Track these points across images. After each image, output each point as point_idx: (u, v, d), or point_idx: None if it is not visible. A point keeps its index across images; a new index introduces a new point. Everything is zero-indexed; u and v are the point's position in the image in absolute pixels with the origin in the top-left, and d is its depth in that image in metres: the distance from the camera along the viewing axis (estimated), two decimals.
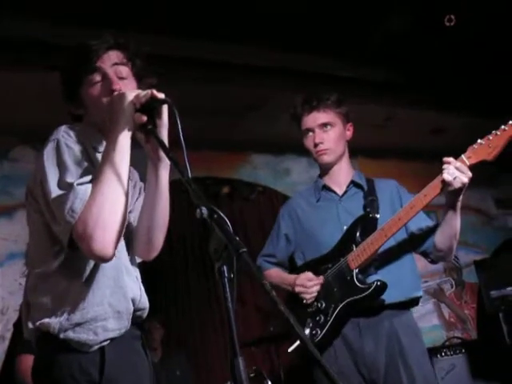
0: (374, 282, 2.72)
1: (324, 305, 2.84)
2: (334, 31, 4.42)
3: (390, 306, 2.77)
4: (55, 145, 1.97)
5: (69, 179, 1.87)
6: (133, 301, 2.07)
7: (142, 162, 2.16)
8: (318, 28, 4.37)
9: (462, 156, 2.59)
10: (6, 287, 4.04)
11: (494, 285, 5.41)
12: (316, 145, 2.98)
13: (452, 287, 6.30)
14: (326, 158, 3.00)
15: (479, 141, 2.59)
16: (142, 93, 1.92)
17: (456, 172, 2.54)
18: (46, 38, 3.92)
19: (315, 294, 2.86)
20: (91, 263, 1.95)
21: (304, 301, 2.86)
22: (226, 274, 1.52)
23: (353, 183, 3.01)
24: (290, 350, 2.83)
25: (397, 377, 2.68)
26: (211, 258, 1.54)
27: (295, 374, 4.81)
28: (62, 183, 1.89)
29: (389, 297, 2.74)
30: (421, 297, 2.88)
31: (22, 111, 4.23)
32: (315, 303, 2.87)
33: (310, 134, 3.00)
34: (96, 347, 1.96)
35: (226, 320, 1.49)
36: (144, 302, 2.15)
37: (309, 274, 2.89)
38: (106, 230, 1.83)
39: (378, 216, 2.80)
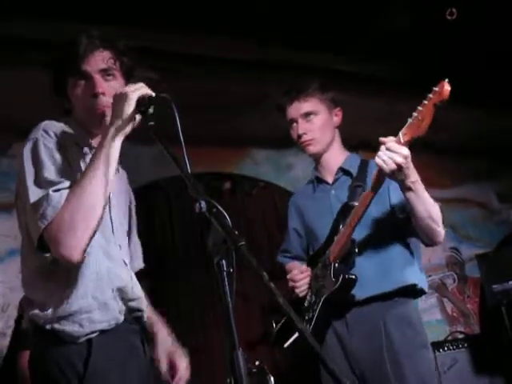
0: (340, 277, 2.63)
1: (313, 299, 2.79)
2: (334, 26, 4.41)
3: (377, 298, 2.68)
4: (32, 145, 2.02)
5: (45, 183, 1.93)
6: (123, 290, 2.11)
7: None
8: (318, 23, 4.36)
9: (400, 133, 2.36)
10: (7, 284, 4.04)
11: (496, 279, 5.40)
12: (299, 136, 2.90)
13: (454, 282, 6.29)
14: (312, 149, 2.92)
15: (413, 113, 2.32)
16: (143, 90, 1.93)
17: (387, 153, 2.33)
18: (45, 35, 3.91)
19: (304, 288, 2.83)
20: None
21: (298, 295, 2.84)
22: (225, 268, 1.52)
23: (341, 170, 2.92)
24: (285, 345, 2.81)
25: (383, 374, 2.59)
26: (210, 252, 1.54)
27: (298, 371, 4.82)
28: (38, 185, 1.95)
29: (375, 288, 2.67)
30: (416, 285, 2.73)
31: (20, 108, 4.22)
32: (308, 297, 2.83)
33: (294, 124, 2.93)
34: (83, 339, 2.00)
35: (225, 314, 1.50)
36: (138, 292, 2.19)
37: (301, 268, 2.87)
38: (75, 236, 1.87)
39: (355, 204, 2.63)
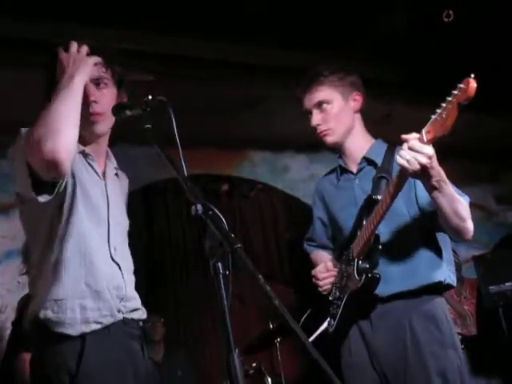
0: (364, 275, 2.54)
1: (338, 294, 2.70)
2: (332, 28, 4.41)
3: (402, 295, 2.57)
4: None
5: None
6: (118, 288, 2.16)
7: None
8: (316, 25, 4.37)
9: (422, 131, 2.20)
10: (4, 285, 4.04)
11: (493, 280, 5.40)
12: (315, 127, 2.75)
13: None
14: (329, 139, 2.75)
15: (437, 110, 2.17)
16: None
17: (411, 153, 2.19)
18: (46, 37, 3.92)
19: (327, 287, 2.76)
20: (64, 243, 2.09)
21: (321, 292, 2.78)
22: (221, 271, 1.53)
23: (365, 159, 2.76)
24: (311, 338, 2.71)
25: (407, 372, 2.51)
26: (206, 255, 1.55)
27: (296, 372, 4.83)
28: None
29: (400, 285, 2.57)
30: (442, 282, 2.60)
31: (20, 109, 4.23)
32: (333, 292, 2.75)
33: (309, 115, 2.77)
34: (77, 332, 2.04)
35: (221, 316, 1.50)
36: (131, 292, 2.23)
37: (326, 264, 2.79)
38: (58, 133, 1.95)
39: (379, 198, 2.52)
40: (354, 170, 2.79)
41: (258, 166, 5.48)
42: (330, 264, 2.80)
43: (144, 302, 2.35)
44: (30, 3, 3.78)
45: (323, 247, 3.01)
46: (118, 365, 2.07)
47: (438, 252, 2.64)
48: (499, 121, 5.80)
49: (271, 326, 4.39)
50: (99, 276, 2.12)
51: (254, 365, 4.24)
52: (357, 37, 4.60)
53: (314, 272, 2.82)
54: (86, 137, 2.22)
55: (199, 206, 1.55)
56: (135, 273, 2.34)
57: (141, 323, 2.27)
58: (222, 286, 1.51)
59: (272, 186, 5.50)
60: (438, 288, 2.63)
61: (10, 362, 3.49)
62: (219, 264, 1.52)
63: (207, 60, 4.31)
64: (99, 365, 2.02)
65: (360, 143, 2.78)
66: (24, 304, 3.21)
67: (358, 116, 2.80)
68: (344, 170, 2.84)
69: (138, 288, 2.34)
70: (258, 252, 5.24)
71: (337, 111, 2.73)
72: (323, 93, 2.74)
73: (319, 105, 2.74)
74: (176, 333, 5.08)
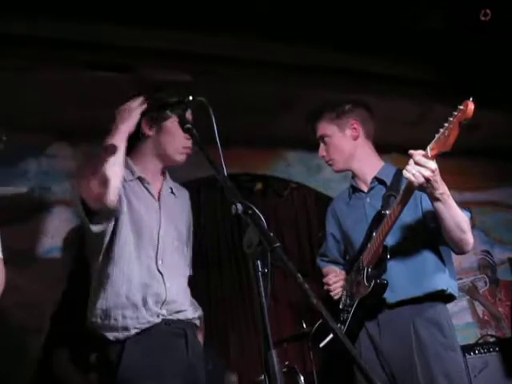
0: (372, 281, 2.74)
1: (348, 302, 2.90)
2: (363, 26, 4.40)
3: (408, 302, 2.77)
4: None
5: None
6: (156, 294, 2.52)
7: None
8: (352, 26, 4.36)
9: (427, 147, 2.46)
10: (43, 281, 4.12)
11: None
12: (323, 157, 3.11)
13: (486, 285, 6.23)
14: (334, 168, 3.10)
15: (440, 129, 2.42)
16: None
17: (416, 167, 2.43)
18: (80, 37, 3.97)
19: (338, 291, 2.98)
20: (111, 264, 2.53)
21: (333, 297, 2.99)
22: (260, 269, 1.56)
23: (376, 179, 3.01)
24: (321, 345, 2.89)
25: (413, 374, 2.66)
26: (246, 254, 1.58)
27: (328, 372, 4.83)
28: None
29: (405, 292, 2.77)
30: (445, 290, 2.81)
31: (59, 109, 4.30)
32: (343, 300, 2.95)
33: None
34: (116, 337, 2.44)
35: (259, 314, 1.53)
36: (175, 296, 2.58)
37: (336, 272, 3.04)
38: (107, 183, 2.31)
39: (387, 212, 2.73)
40: (365, 189, 3.04)
41: (292, 166, 5.49)
42: (338, 271, 3.06)
43: None
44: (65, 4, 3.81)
45: (335, 262, 3.22)
46: (158, 365, 2.31)
47: (442, 263, 2.85)
48: None
49: (304, 326, 4.39)
50: (136, 291, 2.51)
51: (287, 363, 4.26)
52: (390, 35, 4.57)
53: (325, 280, 3.06)
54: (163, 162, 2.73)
55: (239, 205, 1.58)
56: None
57: (188, 316, 2.62)
58: (261, 283, 1.54)
59: (306, 186, 5.51)
60: (441, 296, 2.82)
61: (48, 355, 3.56)
62: (258, 262, 1.55)
63: (243, 59, 4.33)
64: (136, 363, 2.37)
65: (369, 165, 3.05)
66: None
67: (360, 142, 3.06)
68: (356, 190, 3.09)
69: None
70: (291, 250, 5.25)
71: (336, 144, 3.04)
72: (321, 127, 3.08)
73: (321, 138, 3.08)
74: (207, 327, 5.09)
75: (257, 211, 1.57)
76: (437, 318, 2.79)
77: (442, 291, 2.81)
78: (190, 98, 1.99)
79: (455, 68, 4.79)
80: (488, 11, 4.33)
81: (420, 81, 4.95)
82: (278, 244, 1.48)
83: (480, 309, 6.12)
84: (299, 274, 1.47)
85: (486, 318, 6.11)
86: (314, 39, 4.41)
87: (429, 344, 2.70)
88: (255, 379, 4.07)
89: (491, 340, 5.68)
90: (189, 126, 1.99)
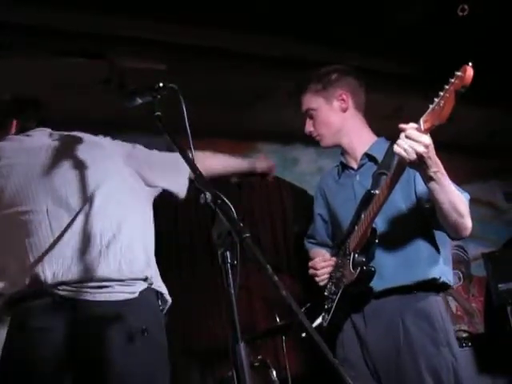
0: (359, 268, 2.53)
1: (333, 289, 2.71)
2: (345, 20, 4.39)
3: (396, 291, 2.58)
4: None
5: None
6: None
7: None
8: (328, 18, 4.34)
9: (420, 120, 2.20)
10: None
11: (502, 278, 5.38)
12: (309, 133, 2.88)
13: (460, 280, 6.27)
14: (323, 144, 2.87)
15: (435, 99, 2.17)
16: None
17: (408, 141, 2.19)
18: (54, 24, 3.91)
19: (325, 277, 2.77)
20: None
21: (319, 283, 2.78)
22: (229, 260, 1.52)
23: (366, 156, 2.78)
24: (303, 335, 2.73)
25: (399, 369, 2.50)
26: (214, 244, 1.54)
27: (301, 366, 4.82)
28: None
29: (394, 280, 2.58)
30: (437, 279, 2.59)
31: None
32: (328, 286, 2.76)
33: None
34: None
35: (228, 306, 1.49)
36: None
37: (324, 256, 2.82)
38: None
39: (377, 192, 2.50)
40: (354, 165, 2.81)
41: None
42: (327, 255, 2.83)
43: None
44: None
45: (323, 245, 3.02)
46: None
47: (436, 249, 2.63)
48: (510, 117, 5.76)
49: (278, 321, 4.36)
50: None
51: (260, 357, 4.22)
52: (370, 29, 4.56)
53: (311, 263, 2.83)
54: None
55: (208, 195, 1.54)
56: None
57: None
58: (230, 275, 1.50)
59: (281, 179, 5.48)
60: (434, 285, 2.61)
61: None
62: (227, 253, 1.51)
63: (219, 50, 4.30)
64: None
65: (358, 140, 2.81)
66: None
67: (350, 114, 2.83)
68: (345, 167, 2.86)
69: None
70: (265, 244, 5.22)
71: (323, 117, 2.81)
72: (307, 100, 2.84)
73: (307, 112, 2.84)
74: (174, 320, 5.04)
75: (226, 201, 1.52)
76: (428, 309, 2.57)
77: (435, 280, 2.58)
78: (161, 84, 1.93)
79: (433, 63, 4.79)
80: (465, 7, 4.33)
81: (397, 75, 4.95)
82: (248, 234, 1.43)
83: (453, 304, 6.15)
84: (268, 266, 1.42)
85: (459, 313, 6.14)
86: (288, 31, 4.39)
87: (417, 339, 2.51)
88: (224, 375, 4.03)
89: (464, 335, 5.72)
90: (158, 113, 1.93)
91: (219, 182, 5.10)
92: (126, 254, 2.27)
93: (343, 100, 2.81)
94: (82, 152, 2.43)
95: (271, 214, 5.45)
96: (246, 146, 5.38)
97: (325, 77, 2.84)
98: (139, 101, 2.03)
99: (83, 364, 2.12)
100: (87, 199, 2.32)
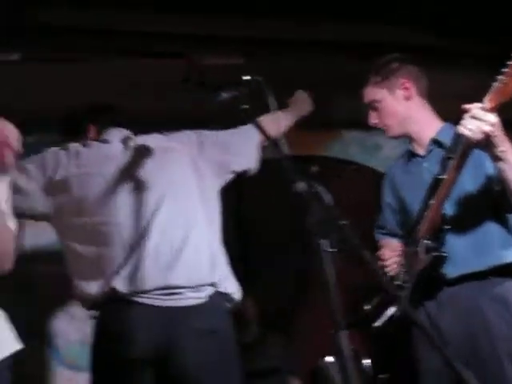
0: (430, 254, 2.51)
1: (405, 278, 2.66)
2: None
3: (470, 277, 2.53)
4: None
5: None
6: None
7: None
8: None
9: (485, 98, 2.16)
10: None
11: None
12: (375, 125, 2.87)
13: None
14: (390, 134, 2.85)
15: (498, 77, 2.12)
16: None
17: (473, 121, 2.15)
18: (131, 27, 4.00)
19: (394, 267, 2.74)
20: None
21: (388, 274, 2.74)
22: (326, 248, 1.52)
23: (434, 142, 2.73)
24: (376, 324, 2.72)
25: (476, 355, 2.46)
26: (310, 233, 1.54)
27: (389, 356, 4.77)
28: None
29: (467, 266, 2.53)
30: None
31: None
32: (401, 276, 2.70)
33: None
34: None
35: (328, 294, 1.49)
36: None
37: (392, 245, 2.82)
38: None
39: (444, 177, 2.44)
40: (422, 153, 2.76)
41: (349, 145, 5.42)
42: (395, 244, 2.82)
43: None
44: None
45: (393, 234, 2.98)
46: None
47: (509, 232, 2.57)
48: None
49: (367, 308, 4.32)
50: None
51: (352, 348, 4.20)
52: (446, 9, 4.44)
53: (378, 254, 2.83)
54: None
55: (302, 183, 1.55)
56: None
57: None
58: (328, 263, 1.50)
59: (364, 165, 5.44)
60: (509, 270, 2.54)
61: None
62: (324, 241, 1.51)
63: (299, 40, 4.29)
64: None
65: (425, 127, 2.76)
66: None
67: (414, 102, 2.79)
68: (413, 155, 2.82)
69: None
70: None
71: (387, 108, 2.77)
72: (370, 94, 2.83)
73: (370, 105, 2.82)
74: (269, 312, 5.09)
75: (322, 189, 1.52)
76: (505, 295, 2.52)
77: (509, 264, 2.52)
78: (247, 77, 1.94)
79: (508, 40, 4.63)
80: None
81: (472, 53, 4.81)
82: (345, 222, 1.43)
83: None
84: (367, 252, 1.42)
85: None
86: (365, 16, 4.33)
87: (495, 323, 2.46)
88: (318, 363, 4.04)
89: None
90: (245, 106, 1.95)
91: (301, 172, 5.16)
92: (193, 261, 2.45)
93: (406, 88, 2.78)
94: (152, 162, 2.55)
95: (355, 201, 5.41)
96: (328, 135, 5.36)
97: (385, 67, 2.81)
98: (225, 96, 2.05)
99: (161, 365, 2.36)
100: (156, 211, 2.48)
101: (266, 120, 2.44)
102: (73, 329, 4.30)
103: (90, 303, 2.46)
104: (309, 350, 4.95)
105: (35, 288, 4.62)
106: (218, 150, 2.78)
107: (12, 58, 4.03)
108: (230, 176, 2.83)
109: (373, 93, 2.82)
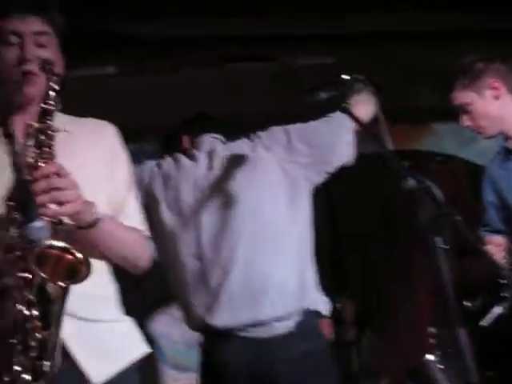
0: None
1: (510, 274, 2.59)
2: None
3: None
4: None
5: None
6: None
7: None
8: None
9: None
10: None
11: None
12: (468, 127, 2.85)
13: None
14: (486, 135, 2.83)
15: None
16: None
17: None
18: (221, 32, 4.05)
19: (502, 262, 2.62)
20: None
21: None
22: (440, 244, 1.50)
23: None
24: (483, 323, 2.68)
25: None
26: (421, 229, 1.53)
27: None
28: None
29: None
30: None
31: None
32: (506, 273, 2.58)
33: None
34: None
35: (444, 292, 1.48)
36: None
37: (495, 242, 2.77)
38: None
39: None
40: None
41: (443, 138, 5.30)
42: (498, 240, 2.78)
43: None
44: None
45: (498, 231, 2.93)
46: None
47: None
48: None
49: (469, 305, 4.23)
50: None
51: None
52: None
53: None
54: None
55: (411, 180, 1.54)
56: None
57: None
58: (441, 259, 1.49)
59: (458, 158, 5.32)
60: None
61: None
62: (437, 237, 1.50)
63: (393, 32, 4.26)
64: None
65: None
66: None
67: (505, 99, 2.75)
68: (510, 152, 2.80)
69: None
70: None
71: (479, 111, 2.74)
72: (459, 98, 2.79)
73: (462, 108, 2.79)
74: (366, 311, 5.07)
75: (432, 185, 1.51)
76: None
77: None
78: (347, 76, 1.94)
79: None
80: None
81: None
82: (459, 218, 1.41)
83: None
84: (482, 247, 1.40)
85: None
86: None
87: None
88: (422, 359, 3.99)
89: None
90: (345, 105, 1.96)
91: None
92: (279, 293, 2.43)
93: (495, 88, 2.75)
94: (239, 177, 2.53)
95: (452, 196, 5.30)
96: (421, 128, 5.27)
97: (470, 68, 2.79)
98: (323, 95, 2.06)
99: None
100: (239, 236, 2.48)
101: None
102: (175, 329, 4.39)
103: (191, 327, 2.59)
104: (401, 349, 4.89)
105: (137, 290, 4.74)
106: (307, 146, 2.61)
107: (108, 72, 4.15)
108: (327, 171, 2.66)
109: (462, 96, 2.80)
